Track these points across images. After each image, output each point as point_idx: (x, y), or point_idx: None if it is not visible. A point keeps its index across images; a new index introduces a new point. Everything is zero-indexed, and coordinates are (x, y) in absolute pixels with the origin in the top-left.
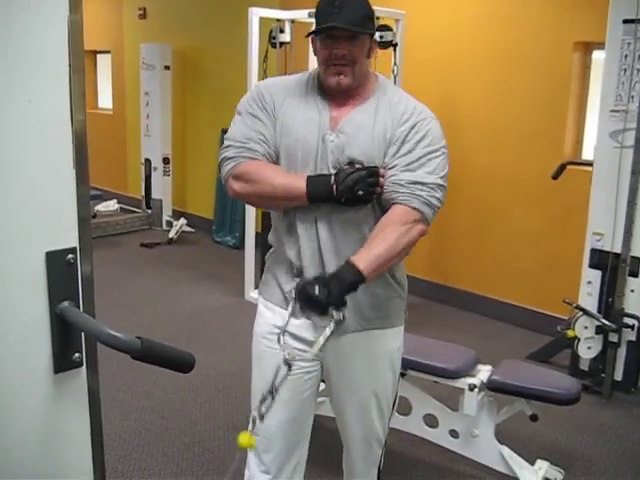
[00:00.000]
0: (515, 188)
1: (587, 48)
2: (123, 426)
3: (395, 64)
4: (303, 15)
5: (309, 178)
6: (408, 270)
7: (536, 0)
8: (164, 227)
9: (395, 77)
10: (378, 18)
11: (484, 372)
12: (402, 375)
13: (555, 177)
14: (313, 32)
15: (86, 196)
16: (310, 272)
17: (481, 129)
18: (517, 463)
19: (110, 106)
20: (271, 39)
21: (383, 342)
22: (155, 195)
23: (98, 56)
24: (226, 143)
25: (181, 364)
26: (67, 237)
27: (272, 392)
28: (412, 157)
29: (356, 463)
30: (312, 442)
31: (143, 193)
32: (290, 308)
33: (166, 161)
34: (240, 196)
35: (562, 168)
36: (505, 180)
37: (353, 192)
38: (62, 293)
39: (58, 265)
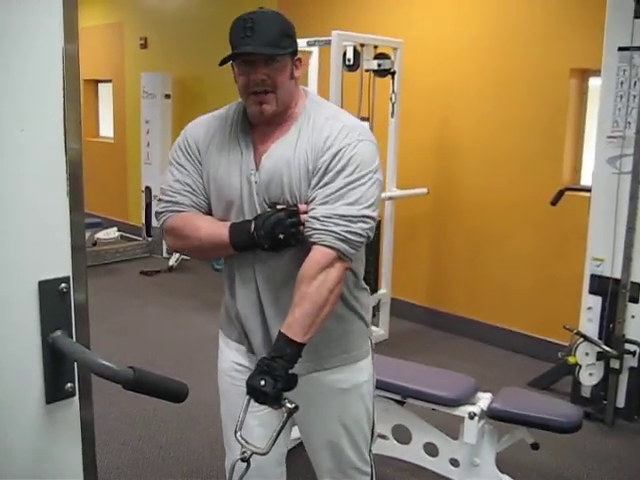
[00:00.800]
0: (513, 214)
1: (584, 75)
2: (120, 456)
3: (393, 92)
4: (302, 44)
5: (231, 226)
6: (405, 296)
7: (533, 28)
8: (164, 255)
9: (394, 105)
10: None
11: (484, 400)
12: (401, 403)
13: (554, 203)
14: (224, 60)
15: (80, 224)
16: (251, 322)
17: (479, 155)
18: None
19: (111, 134)
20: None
21: (348, 378)
22: (155, 223)
23: (100, 85)
24: (159, 196)
25: (174, 394)
26: (60, 266)
27: (244, 459)
28: (331, 189)
29: None
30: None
31: (143, 221)
32: (244, 404)
33: None
34: (175, 250)
35: (560, 194)
36: (503, 206)
37: (273, 236)
38: (54, 322)
39: (51, 294)
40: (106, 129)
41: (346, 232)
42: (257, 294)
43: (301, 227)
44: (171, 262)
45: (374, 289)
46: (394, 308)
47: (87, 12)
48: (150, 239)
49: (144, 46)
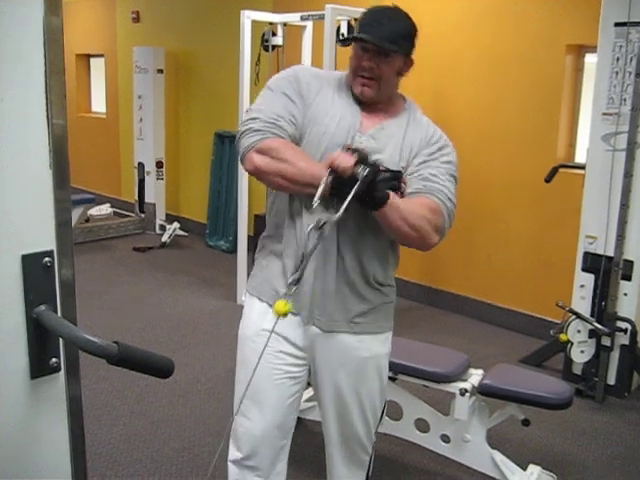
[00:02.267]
0: (507, 191)
1: (579, 51)
2: (112, 432)
3: None
4: (295, 18)
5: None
6: (399, 273)
7: (529, 2)
8: (157, 231)
9: None
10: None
11: (475, 376)
12: (393, 379)
13: (548, 180)
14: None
15: (66, 200)
16: (310, 273)
17: (473, 131)
18: (509, 468)
19: (104, 110)
20: (263, 42)
21: (371, 347)
22: (148, 199)
23: (92, 60)
24: (252, 115)
25: (159, 370)
26: (44, 240)
27: (303, 257)
28: (437, 171)
29: (336, 465)
30: (304, 446)
31: (136, 197)
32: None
33: (159, 165)
34: (260, 171)
35: (554, 171)
36: (497, 183)
37: (371, 188)
38: (39, 297)
39: (34, 268)
40: (98, 104)
41: (448, 199)
42: (336, 240)
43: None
44: (164, 238)
45: None
46: None
47: None
48: (143, 215)
49: (136, 20)
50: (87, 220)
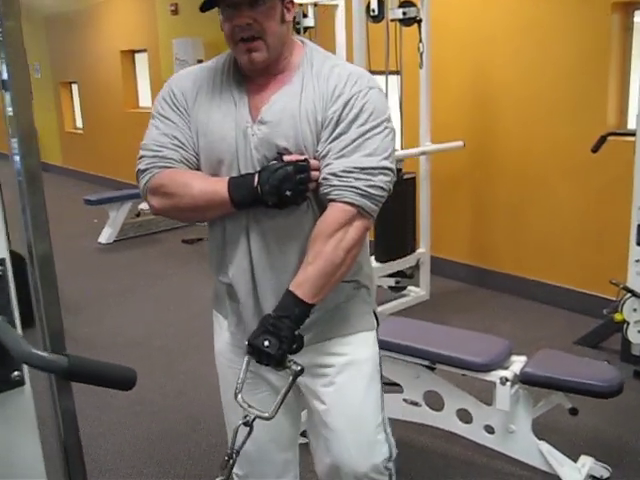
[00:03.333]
0: (555, 163)
1: (627, 9)
2: (151, 427)
3: (421, 41)
4: None
5: (231, 180)
6: (446, 254)
7: None
8: (205, 223)
9: (422, 55)
10: None
11: (518, 364)
12: (432, 369)
13: (595, 150)
14: (204, 4)
15: (39, 204)
16: (241, 291)
17: (516, 103)
18: (557, 460)
19: (150, 104)
20: (295, 24)
21: (347, 352)
22: None
23: (136, 55)
24: (139, 153)
25: (119, 381)
26: None
27: (231, 455)
28: (346, 140)
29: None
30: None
31: None
32: (244, 364)
33: None
34: (161, 213)
35: (602, 140)
36: (544, 156)
37: (280, 193)
38: None
39: None
40: (145, 99)
41: (368, 186)
42: (249, 259)
43: (311, 184)
44: None
45: (412, 249)
46: (434, 267)
47: None
48: None
49: (175, 12)
50: (138, 215)
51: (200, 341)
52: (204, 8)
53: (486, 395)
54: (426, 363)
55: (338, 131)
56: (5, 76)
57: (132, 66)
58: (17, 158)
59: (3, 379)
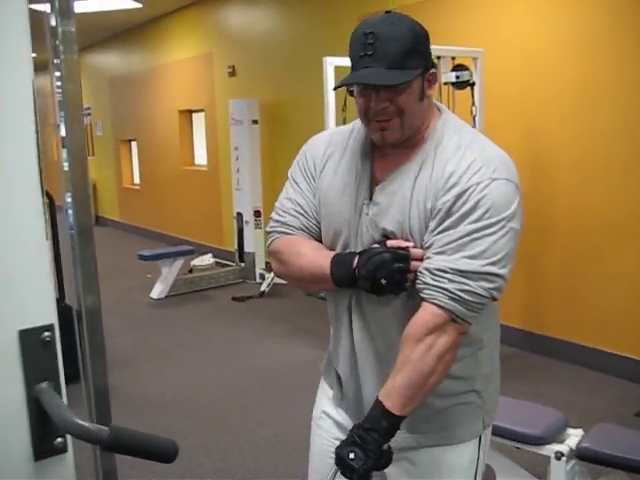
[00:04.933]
0: (612, 228)
1: None
2: None
3: (474, 104)
4: None
5: (334, 257)
6: (500, 319)
7: (624, 21)
8: (257, 280)
9: (474, 118)
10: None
11: (574, 437)
12: None
13: None
14: (339, 86)
15: (90, 265)
16: (343, 372)
17: (571, 166)
18: None
19: (205, 162)
20: (348, 87)
21: (443, 461)
22: (247, 248)
23: (193, 115)
24: (272, 215)
25: (160, 454)
26: (42, 314)
27: None
28: (451, 236)
29: None
30: None
31: (236, 246)
32: (331, 473)
33: (257, 214)
34: (277, 276)
35: None
36: (600, 220)
37: (375, 279)
38: (39, 374)
39: (33, 344)
40: (201, 157)
41: (461, 291)
42: (351, 341)
43: (410, 275)
44: (263, 287)
45: None
46: None
47: (179, 45)
48: (243, 264)
49: (232, 74)
50: (190, 271)
51: (244, 401)
52: (337, 87)
53: (540, 470)
54: None
55: (446, 224)
56: (63, 133)
57: (189, 125)
58: (70, 212)
59: (46, 446)
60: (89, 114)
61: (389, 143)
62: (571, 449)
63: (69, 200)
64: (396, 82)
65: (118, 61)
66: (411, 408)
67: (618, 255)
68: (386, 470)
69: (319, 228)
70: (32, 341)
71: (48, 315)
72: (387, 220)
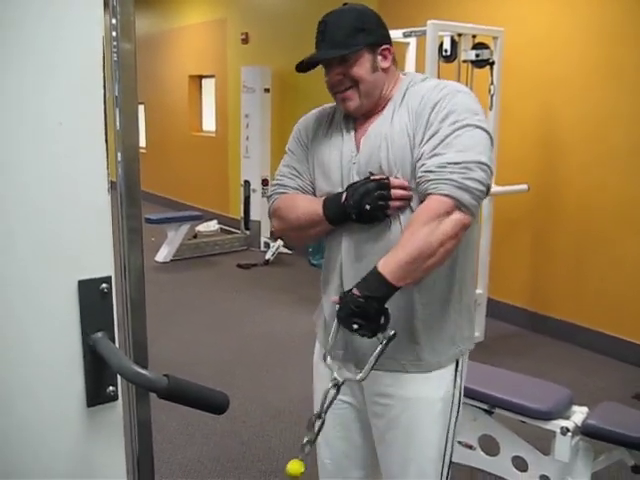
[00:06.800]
0: (622, 213)
1: None
2: (202, 450)
3: (492, 83)
4: (397, 35)
5: (325, 199)
6: (504, 297)
7: None
8: (262, 248)
9: (492, 97)
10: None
11: (579, 414)
12: (489, 413)
13: None
14: (299, 68)
15: (136, 224)
16: (331, 316)
17: (585, 149)
18: None
19: (214, 128)
20: None
21: (418, 389)
22: (254, 216)
23: (203, 80)
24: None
25: (212, 405)
26: (101, 266)
27: (320, 415)
28: (437, 139)
29: None
30: None
31: (242, 214)
32: (333, 328)
33: (265, 183)
34: (278, 234)
35: None
36: (611, 204)
37: (360, 206)
38: (95, 324)
39: (91, 294)
40: (209, 123)
41: (465, 179)
42: (340, 268)
43: (391, 202)
44: (267, 256)
45: None
46: (491, 309)
47: (193, 9)
48: (248, 232)
49: (245, 41)
50: (195, 236)
51: (251, 367)
52: (298, 70)
53: (544, 444)
54: (484, 406)
55: (429, 133)
56: (116, 93)
57: (199, 91)
58: (119, 170)
59: (99, 393)
60: None
61: (352, 111)
62: (577, 425)
63: (119, 159)
64: (339, 54)
65: None
66: (405, 282)
67: (628, 240)
68: (395, 336)
69: (313, 188)
70: (90, 291)
71: (106, 267)
72: (372, 163)
